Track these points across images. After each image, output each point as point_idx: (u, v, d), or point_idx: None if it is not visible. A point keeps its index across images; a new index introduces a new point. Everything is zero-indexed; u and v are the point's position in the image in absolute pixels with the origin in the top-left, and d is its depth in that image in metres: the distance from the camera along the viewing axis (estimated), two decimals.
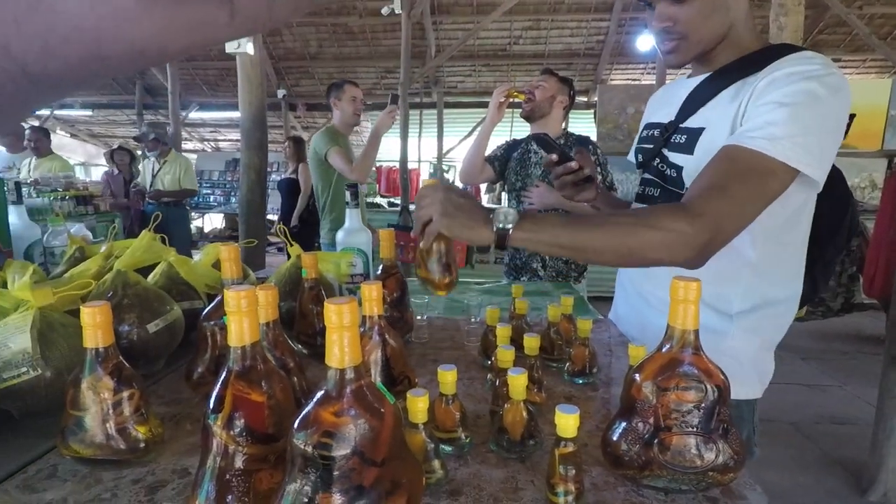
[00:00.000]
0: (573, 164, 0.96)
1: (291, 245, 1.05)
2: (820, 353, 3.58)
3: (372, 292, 0.65)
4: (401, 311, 0.98)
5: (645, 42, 7.05)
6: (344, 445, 0.40)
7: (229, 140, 11.75)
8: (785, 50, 0.82)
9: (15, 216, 1.05)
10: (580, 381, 0.80)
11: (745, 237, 0.76)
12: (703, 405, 0.53)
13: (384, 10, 5.79)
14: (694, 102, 0.91)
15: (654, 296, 0.96)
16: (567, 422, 0.50)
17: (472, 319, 1.09)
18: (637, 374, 0.56)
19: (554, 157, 0.96)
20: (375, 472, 0.42)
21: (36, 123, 6.87)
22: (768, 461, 2.24)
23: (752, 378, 0.92)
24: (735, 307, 0.88)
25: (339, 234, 1.20)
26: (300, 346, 0.91)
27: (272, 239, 5.83)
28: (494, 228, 0.70)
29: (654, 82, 7.04)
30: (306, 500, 0.40)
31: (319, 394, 0.41)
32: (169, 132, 5.85)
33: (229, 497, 0.45)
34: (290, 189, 4.38)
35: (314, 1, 0.21)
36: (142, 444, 0.56)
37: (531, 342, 0.72)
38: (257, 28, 0.22)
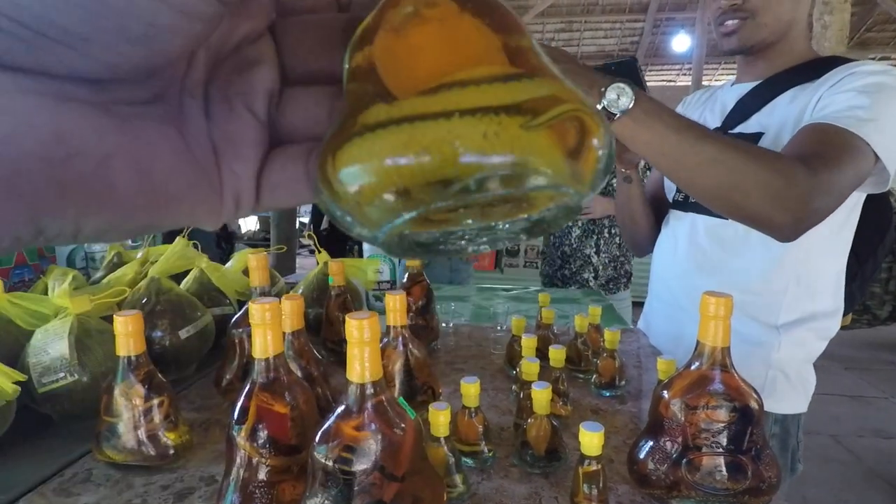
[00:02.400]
0: None
1: (320, 252, 1.06)
2: (865, 363, 3.42)
3: (396, 303, 0.65)
4: (426, 318, 0.98)
5: (681, 43, 6.90)
6: (364, 460, 0.40)
7: None
8: (842, 60, 0.81)
9: None
10: (607, 394, 0.79)
11: (793, 243, 0.72)
12: (733, 425, 0.51)
13: None
14: (746, 108, 0.88)
15: (694, 306, 0.93)
16: (591, 440, 0.49)
17: (498, 328, 1.08)
18: (665, 392, 0.54)
19: None
20: (396, 486, 0.41)
21: None
22: (808, 477, 2.15)
23: (799, 392, 0.89)
24: (781, 319, 0.85)
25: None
26: (326, 353, 0.92)
27: (303, 241, 5.93)
28: (601, 105, 0.63)
29: (689, 84, 6.89)
30: None
31: (340, 408, 0.41)
32: None
33: None
34: None
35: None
36: (171, 451, 0.57)
37: (557, 354, 0.71)
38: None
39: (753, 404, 0.51)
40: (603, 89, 0.64)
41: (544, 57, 0.15)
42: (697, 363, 0.53)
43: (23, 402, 0.60)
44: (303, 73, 0.18)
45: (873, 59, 7.46)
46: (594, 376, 0.81)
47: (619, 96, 0.62)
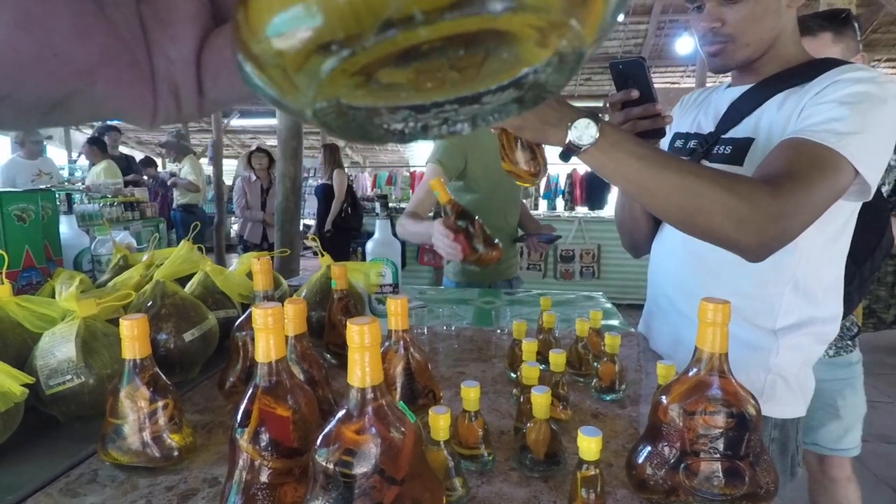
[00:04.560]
0: (656, 107, 0.82)
1: (323, 255, 1.07)
2: (870, 367, 3.39)
3: (397, 307, 0.66)
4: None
5: (685, 45, 6.88)
6: (365, 463, 0.40)
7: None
8: (832, 63, 0.80)
9: (66, 226, 1.11)
10: (607, 398, 0.79)
11: (789, 250, 0.73)
12: (731, 431, 0.51)
13: None
14: (737, 112, 0.88)
15: (692, 311, 0.94)
16: (589, 445, 0.49)
17: (498, 331, 1.08)
18: (663, 397, 0.54)
19: (635, 93, 0.82)
20: (396, 490, 0.42)
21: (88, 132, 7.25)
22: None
23: (798, 396, 0.89)
24: (778, 323, 0.85)
25: (369, 245, 1.22)
26: (330, 356, 0.93)
27: (306, 243, 5.96)
28: (567, 140, 0.65)
29: (693, 85, 6.87)
30: None
31: (341, 412, 0.42)
32: (211, 139, 6.09)
33: None
34: (325, 194, 4.48)
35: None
36: (175, 453, 0.58)
37: (557, 359, 0.71)
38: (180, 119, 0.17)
39: (751, 410, 0.52)
40: (569, 124, 0.66)
41: None
42: (696, 369, 0.53)
43: (30, 404, 0.61)
44: None
45: (879, 60, 7.42)
46: (594, 380, 0.81)
47: (584, 130, 0.65)
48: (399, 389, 0.69)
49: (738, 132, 0.87)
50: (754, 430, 0.52)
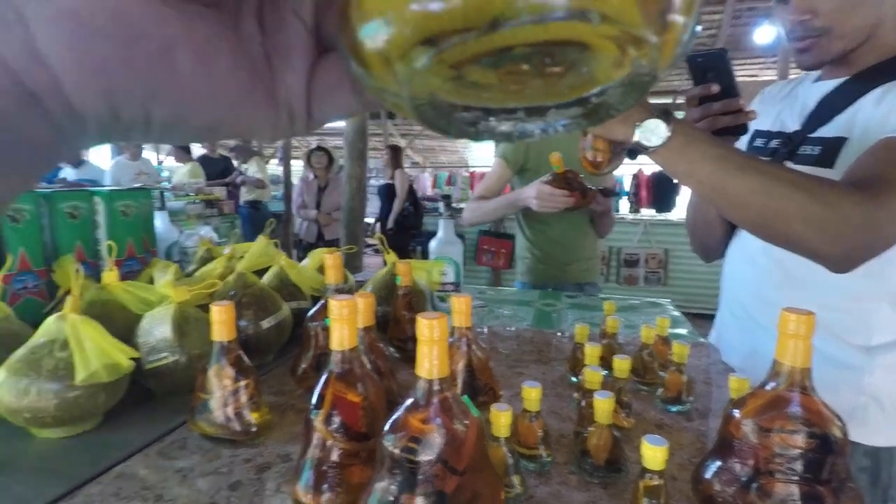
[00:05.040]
0: (738, 102, 0.77)
1: (388, 252, 1.10)
2: None
3: (461, 305, 0.68)
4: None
5: (764, 34, 6.36)
6: (428, 452, 0.42)
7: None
8: None
9: (159, 221, 1.22)
10: (673, 409, 0.77)
11: (889, 259, 0.67)
12: (812, 452, 0.49)
13: None
14: (828, 109, 0.81)
15: (771, 322, 0.89)
16: (654, 454, 0.49)
17: (559, 334, 1.08)
18: (736, 410, 0.53)
19: (715, 87, 0.77)
20: (457, 480, 0.44)
21: None
22: None
23: (894, 422, 0.81)
24: (873, 340, 0.78)
25: (433, 244, 1.25)
26: (393, 350, 0.96)
27: (369, 241, 6.13)
28: (634, 139, 0.64)
29: (775, 78, 6.42)
30: (392, 498, 0.43)
31: (409, 401, 0.44)
32: (281, 141, 6.42)
33: (325, 486, 0.49)
34: (388, 194, 4.60)
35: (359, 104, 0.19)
36: (253, 428, 0.62)
37: (621, 365, 0.70)
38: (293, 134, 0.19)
39: (836, 432, 0.49)
40: (637, 123, 0.63)
41: None
42: (774, 383, 0.51)
43: (132, 377, 0.68)
44: None
45: None
46: (660, 390, 0.79)
47: (652, 132, 0.62)
48: (460, 385, 0.71)
49: (828, 131, 0.80)
50: (839, 455, 0.49)
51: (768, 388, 0.51)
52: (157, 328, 0.70)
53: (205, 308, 0.74)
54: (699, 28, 0.13)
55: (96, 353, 0.61)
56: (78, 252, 0.92)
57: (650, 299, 1.56)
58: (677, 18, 0.12)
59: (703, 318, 4.10)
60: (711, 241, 1.03)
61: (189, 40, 0.15)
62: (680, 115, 0.70)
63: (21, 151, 0.15)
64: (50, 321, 0.64)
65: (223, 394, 0.61)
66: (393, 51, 0.13)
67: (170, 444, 0.63)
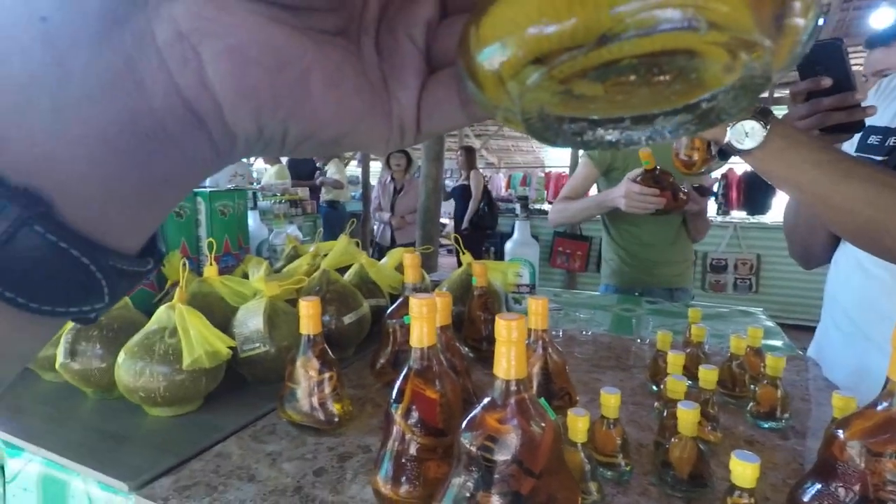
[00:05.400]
0: (854, 97, 0.71)
1: (464, 253, 1.12)
2: None
3: (538, 307, 0.67)
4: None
5: (881, 18, 5.71)
6: (504, 451, 0.43)
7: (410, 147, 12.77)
8: None
9: (251, 219, 1.31)
10: (765, 426, 0.72)
11: None
12: None
13: None
14: None
15: (883, 337, 0.81)
16: (744, 470, 0.46)
17: (638, 340, 1.04)
18: (840, 431, 0.48)
19: (827, 81, 0.71)
20: (533, 482, 0.44)
21: None
22: None
23: None
24: None
25: (508, 245, 1.24)
26: (468, 350, 0.97)
27: (443, 241, 6.21)
28: (726, 140, 0.60)
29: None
30: (468, 495, 0.44)
31: (486, 400, 0.45)
32: None
33: (403, 478, 0.51)
34: (462, 195, 4.63)
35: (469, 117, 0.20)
36: (336, 419, 0.66)
37: (708, 375, 0.67)
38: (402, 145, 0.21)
39: None
40: (730, 124, 0.59)
41: None
42: (886, 403, 0.47)
43: (229, 364, 0.74)
44: (460, 4, 0.20)
45: None
46: (751, 404, 0.74)
47: (747, 131, 0.58)
48: (536, 388, 0.70)
49: None
50: None
51: (879, 408, 0.47)
52: (251, 320, 0.76)
53: (292, 302, 0.79)
54: (822, 22, 0.13)
55: (199, 341, 0.67)
56: (183, 248, 1.01)
57: (740, 307, 1.46)
58: (795, 21, 0.12)
59: (799, 330, 3.78)
60: (814, 245, 0.95)
61: (322, 66, 0.17)
62: (779, 109, 0.65)
63: (186, 165, 0.17)
64: (161, 310, 0.71)
65: (309, 384, 0.65)
66: (507, 71, 0.14)
67: (261, 429, 0.68)
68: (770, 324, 1.28)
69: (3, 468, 0.65)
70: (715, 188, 6.53)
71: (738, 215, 5.64)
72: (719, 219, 4.92)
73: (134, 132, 0.15)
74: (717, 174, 6.61)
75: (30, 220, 0.14)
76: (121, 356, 0.68)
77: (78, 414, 0.72)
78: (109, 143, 0.15)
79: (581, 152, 1.70)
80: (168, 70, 0.15)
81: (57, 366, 0.72)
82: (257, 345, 0.75)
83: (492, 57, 0.14)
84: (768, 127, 0.59)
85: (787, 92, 0.80)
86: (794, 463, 0.64)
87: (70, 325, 0.70)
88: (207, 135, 0.16)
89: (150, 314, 0.73)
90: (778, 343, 1.13)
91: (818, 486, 0.49)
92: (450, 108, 0.19)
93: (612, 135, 0.15)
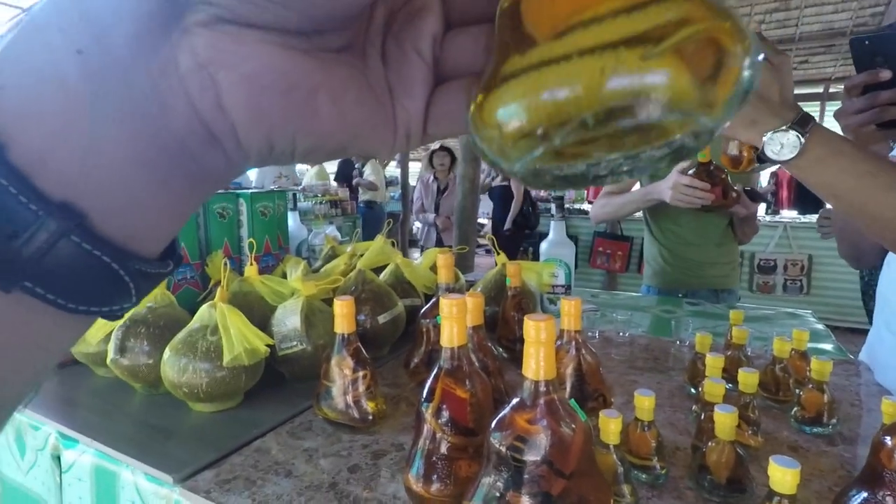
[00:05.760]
0: None
1: (499, 254, 1.12)
2: None
3: (571, 308, 0.67)
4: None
5: None
6: (534, 452, 0.43)
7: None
8: None
9: (291, 220, 1.35)
10: (811, 431, 0.69)
11: None
12: None
13: None
14: None
15: None
16: (783, 476, 0.44)
17: (678, 342, 1.01)
18: (888, 438, 0.46)
19: (885, 74, 0.68)
20: (563, 483, 0.43)
21: None
22: None
23: None
24: None
25: (543, 246, 1.23)
26: (501, 350, 0.97)
27: (480, 241, 6.21)
28: (763, 148, 0.59)
29: None
30: (498, 494, 0.44)
31: (515, 400, 0.45)
32: None
33: (434, 476, 0.52)
34: (501, 196, 4.61)
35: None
36: (370, 417, 0.67)
37: (748, 378, 0.64)
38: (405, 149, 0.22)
39: None
40: (764, 138, 0.57)
41: None
42: None
43: (267, 362, 0.77)
44: (462, 18, 0.21)
45: None
46: (795, 409, 0.71)
47: (781, 146, 0.57)
48: (569, 389, 0.70)
49: None
50: None
51: None
52: (289, 318, 0.78)
53: (329, 302, 0.81)
54: (761, 58, 0.15)
55: (239, 339, 0.70)
56: (225, 248, 1.05)
57: (787, 310, 1.41)
58: (731, 89, 0.14)
59: (853, 333, 3.59)
60: (865, 245, 0.90)
61: (328, 84, 0.19)
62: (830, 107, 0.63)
63: (203, 178, 0.19)
64: (204, 309, 0.74)
65: (343, 383, 0.66)
66: (506, 146, 0.17)
67: (298, 426, 0.70)
68: (819, 326, 1.22)
69: (59, 458, 0.70)
70: (765, 186, 6.24)
71: (788, 215, 5.39)
72: (767, 218, 4.72)
73: (158, 150, 0.17)
74: (765, 173, 6.33)
75: (68, 231, 0.15)
76: (166, 353, 0.71)
77: (127, 408, 0.76)
78: (137, 161, 0.16)
79: None
80: (189, 96, 0.17)
81: (108, 361, 0.76)
82: (295, 343, 0.77)
83: (494, 130, 0.17)
84: (805, 136, 0.57)
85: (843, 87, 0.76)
86: (840, 470, 0.61)
87: (120, 322, 0.75)
88: (223, 152, 0.18)
89: (194, 312, 0.76)
90: (827, 346, 1.08)
91: (864, 494, 0.47)
92: (458, 117, 0.21)
93: (599, 175, 0.17)
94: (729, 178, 1.33)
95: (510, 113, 0.16)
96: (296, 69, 0.18)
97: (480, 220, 6.15)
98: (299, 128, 0.18)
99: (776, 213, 5.68)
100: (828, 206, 1.34)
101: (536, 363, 0.43)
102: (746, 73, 0.14)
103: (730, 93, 0.14)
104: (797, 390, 0.73)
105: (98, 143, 0.16)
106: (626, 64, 0.14)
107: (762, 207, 6.14)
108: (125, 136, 0.16)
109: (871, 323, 0.99)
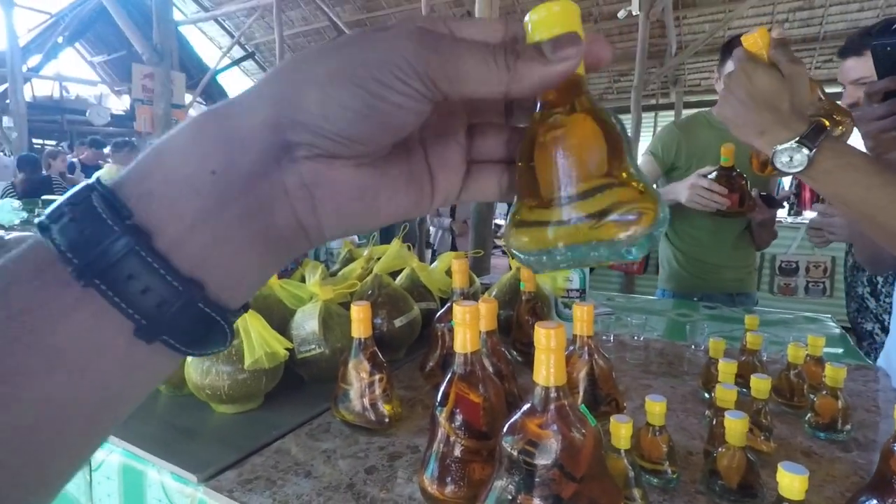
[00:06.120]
0: None
1: (512, 257, 1.13)
2: None
3: (584, 313, 0.68)
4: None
5: None
6: (545, 456, 0.44)
7: None
8: None
9: None
10: (824, 436, 0.69)
11: None
12: None
13: (621, 14, 5.60)
14: None
15: None
16: (791, 482, 0.45)
17: (693, 347, 1.01)
18: None
19: None
20: (574, 487, 0.45)
21: None
22: None
23: None
24: None
25: None
26: (515, 354, 0.98)
27: (497, 242, 6.19)
28: (770, 162, 0.61)
29: None
30: (510, 497, 0.45)
31: (526, 405, 0.46)
32: None
33: (448, 479, 0.53)
34: None
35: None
36: (386, 419, 0.69)
37: (760, 384, 0.65)
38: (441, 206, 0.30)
39: None
40: (773, 150, 0.58)
41: (632, 167, 0.25)
42: None
43: (287, 364, 0.79)
44: (478, 113, 0.29)
45: None
46: (809, 415, 0.71)
47: (789, 159, 0.58)
48: (581, 394, 0.71)
49: None
50: None
51: None
52: (307, 322, 0.81)
53: (346, 306, 0.83)
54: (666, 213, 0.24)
55: (260, 342, 0.72)
56: None
57: (806, 314, 1.39)
58: (644, 243, 0.24)
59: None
60: (882, 250, 0.89)
61: (385, 185, 0.25)
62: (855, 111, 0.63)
63: (289, 256, 0.25)
64: None
65: (360, 385, 0.68)
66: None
67: (316, 427, 0.73)
68: (838, 331, 1.21)
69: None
70: (787, 187, 6.12)
71: (810, 216, 5.26)
72: (790, 220, 4.63)
73: (264, 242, 0.23)
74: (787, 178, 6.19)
75: (194, 299, 0.21)
76: None
77: (153, 408, 0.79)
78: (248, 251, 0.23)
79: (644, 149, 1.68)
80: (292, 205, 0.23)
81: None
82: (313, 346, 0.79)
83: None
84: (814, 150, 0.58)
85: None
86: (854, 476, 0.61)
87: None
88: (308, 240, 0.25)
89: None
90: (844, 351, 1.07)
91: (874, 501, 0.47)
92: (485, 191, 0.29)
93: (587, 259, 0.25)
94: (749, 184, 1.33)
95: (525, 242, 0.26)
96: (366, 181, 0.24)
97: (497, 221, 6.14)
98: (367, 221, 0.26)
99: (798, 214, 5.56)
100: (816, 215, 1.33)
101: (547, 370, 0.44)
102: (657, 231, 0.24)
103: (641, 244, 0.24)
104: (811, 396, 0.73)
105: (220, 239, 0.22)
106: (581, 230, 0.24)
107: (783, 210, 6.03)
108: (241, 234, 0.22)
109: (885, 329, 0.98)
